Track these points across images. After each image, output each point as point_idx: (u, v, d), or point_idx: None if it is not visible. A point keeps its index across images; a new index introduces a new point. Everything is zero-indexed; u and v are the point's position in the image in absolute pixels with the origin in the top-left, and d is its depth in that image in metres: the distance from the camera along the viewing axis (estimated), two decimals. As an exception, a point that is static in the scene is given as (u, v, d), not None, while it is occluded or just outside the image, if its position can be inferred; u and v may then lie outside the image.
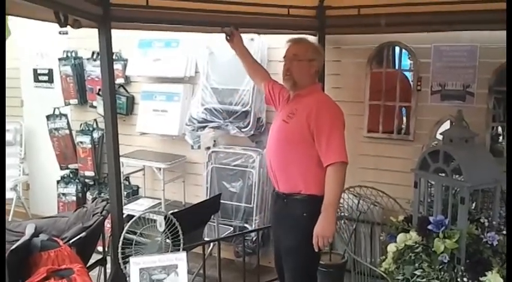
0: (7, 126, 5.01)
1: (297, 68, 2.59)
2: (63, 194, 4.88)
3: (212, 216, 3.74)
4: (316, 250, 2.47)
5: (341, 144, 2.47)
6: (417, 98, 3.57)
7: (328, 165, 2.44)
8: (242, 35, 3.10)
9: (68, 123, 4.83)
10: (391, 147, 3.71)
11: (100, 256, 3.11)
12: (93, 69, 4.59)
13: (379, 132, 3.72)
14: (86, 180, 4.82)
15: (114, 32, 2.77)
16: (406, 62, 3.92)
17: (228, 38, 3.06)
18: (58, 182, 4.92)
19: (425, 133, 3.57)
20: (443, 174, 2.41)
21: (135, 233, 2.66)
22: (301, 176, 2.53)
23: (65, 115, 4.84)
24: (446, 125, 3.48)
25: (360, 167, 3.68)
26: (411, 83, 3.67)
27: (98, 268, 3.10)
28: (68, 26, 2.51)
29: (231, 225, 4.07)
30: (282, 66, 2.68)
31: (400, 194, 3.44)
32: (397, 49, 3.81)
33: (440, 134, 2.62)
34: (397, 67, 3.75)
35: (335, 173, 2.44)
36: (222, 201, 3.81)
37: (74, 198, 4.84)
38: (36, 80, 5.19)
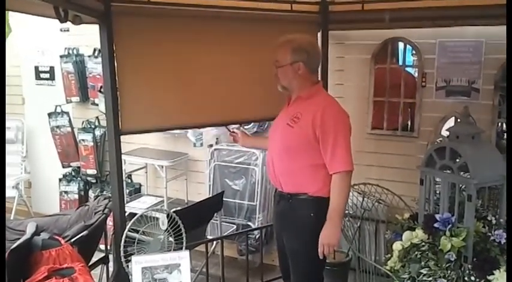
0: (8, 124, 4.99)
1: (281, 74, 2.53)
2: (65, 192, 4.86)
3: (215, 214, 3.73)
4: (321, 258, 2.46)
5: (346, 152, 2.43)
6: (422, 94, 3.54)
7: (334, 173, 2.43)
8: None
9: (69, 121, 4.81)
10: (396, 144, 3.68)
11: (102, 254, 3.09)
12: (95, 66, 4.55)
13: (384, 129, 3.69)
14: (88, 178, 4.80)
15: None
16: (410, 58, 3.88)
17: (232, 139, 3.08)
18: (60, 180, 4.90)
19: (430, 130, 3.54)
20: (449, 171, 2.38)
21: (137, 231, 2.63)
22: (307, 180, 2.49)
23: (67, 113, 4.82)
24: (451, 122, 3.45)
25: (364, 164, 3.64)
26: (416, 79, 3.64)
27: (100, 266, 3.08)
28: (69, 23, 2.49)
29: (234, 223, 4.05)
30: None
31: (404, 191, 3.41)
32: (401, 45, 3.77)
33: (447, 130, 2.58)
34: (401, 63, 3.71)
35: (340, 181, 2.42)
36: (224, 199, 3.79)
37: (76, 196, 4.82)
38: (38, 77, 5.16)
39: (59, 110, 4.80)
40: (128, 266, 2.48)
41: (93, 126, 4.70)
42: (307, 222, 2.50)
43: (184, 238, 2.68)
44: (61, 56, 4.70)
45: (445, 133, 3.36)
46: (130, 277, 2.36)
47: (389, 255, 2.51)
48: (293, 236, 2.57)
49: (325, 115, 2.43)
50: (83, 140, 4.66)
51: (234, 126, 3.25)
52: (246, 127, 3.89)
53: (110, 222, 3.18)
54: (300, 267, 2.59)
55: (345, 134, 2.46)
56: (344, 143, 2.43)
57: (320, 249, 2.43)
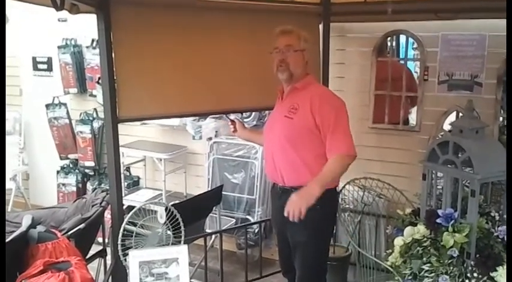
0: (6, 115, 4.94)
1: (292, 59, 2.49)
2: (63, 185, 4.83)
3: (214, 208, 3.70)
4: (285, 215, 2.32)
5: (346, 136, 2.42)
6: (424, 88, 3.50)
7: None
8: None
9: (67, 112, 4.77)
10: (397, 139, 3.65)
11: (100, 248, 3.06)
12: (93, 58, 4.50)
13: (385, 123, 3.65)
14: (86, 171, 4.77)
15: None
16: (411, 52, 3.85)
17: (232, 129, 3.03)
18: (58, 172, 4.86)
19: (431, 124, 3.50)
20: (452, 166, 2.34)
21: (135, 225, 2.60)
22: (312, 171, 2.44)
23: (65, 104, 4.77)
24: (453, 116, 3.41)
25: (365, 158, 3.60)
26: (414, 74, 3.60)
27: (97, 260, 3.05)
28: (67, 12, 2.44)
29: (233, 217, 4.03)
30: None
31: (405, 186, 3.38)
32: (403, 38, 3.73)
33: (450, 124, 2.55)
34: (402, 56, 3.67)
35: (336, 160, 2.38)
36: (224, 192, 3.76)
37: (74, 188, 4.79)
38: (35, 68, 5.10)
39: (56, 101, 4.75)
40: (125, 259, 2.46)
41: (91, 118, 4.65)
42: (313, 215, 2.42)
43: (182, 232, 2.65)
44: (59, 47, 4.65)
45: (447, 127, 3.33)
46: (128, 271, 2.33)
47: (390, 250, 2.48)
48: (299, 230, 2.51)
49: (323, 101, 2.44)
50: (80, 131, 4.62)
51: (233, 117, 3.22)
52: (245, 120, 3.86)
53: (108, 215, 3.16)
54: (307, 260, 2.58)
55: (344, 120, 2.45)
56: (343, 127, 2.42)
57: (286, 208, 2.31)
